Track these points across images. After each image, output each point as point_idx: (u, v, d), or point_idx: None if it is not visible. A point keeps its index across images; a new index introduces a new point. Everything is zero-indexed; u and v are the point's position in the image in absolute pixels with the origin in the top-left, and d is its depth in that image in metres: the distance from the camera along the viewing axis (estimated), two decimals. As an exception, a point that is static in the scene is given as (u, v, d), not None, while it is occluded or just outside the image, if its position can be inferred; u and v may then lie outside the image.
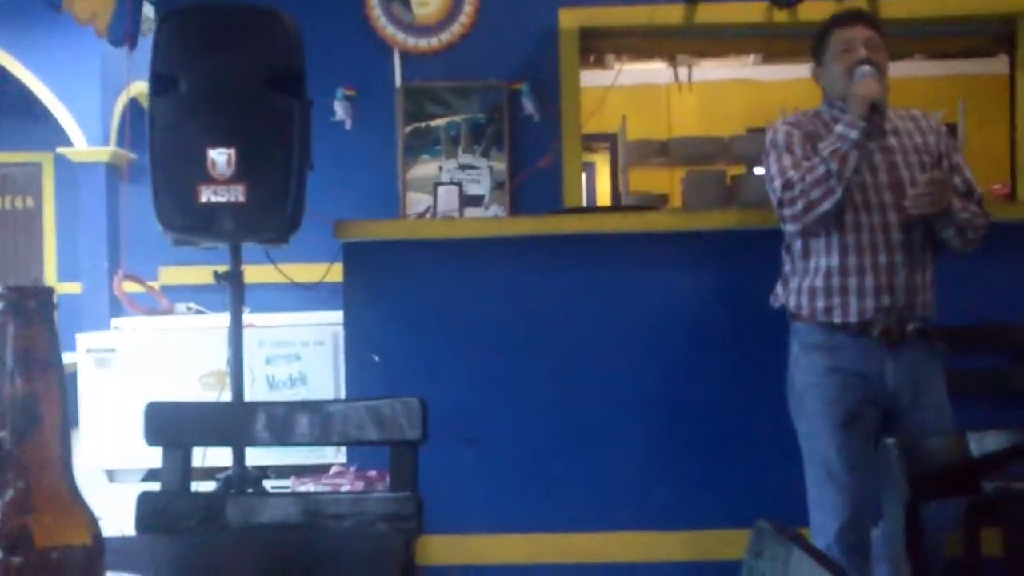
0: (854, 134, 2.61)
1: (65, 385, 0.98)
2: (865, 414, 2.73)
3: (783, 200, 2.71)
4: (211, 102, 3.33)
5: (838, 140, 2.63)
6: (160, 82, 3.36)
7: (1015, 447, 2.00)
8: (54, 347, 0.97)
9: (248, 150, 3.30)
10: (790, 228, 2.75)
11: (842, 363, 2.74)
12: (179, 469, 1.83)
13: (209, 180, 3.29)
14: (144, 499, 1.80)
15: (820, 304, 2.74)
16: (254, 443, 1.85)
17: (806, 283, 2.78)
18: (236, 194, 3.29)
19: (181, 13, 3.46)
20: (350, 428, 1.79)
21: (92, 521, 0.97)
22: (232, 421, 1.87)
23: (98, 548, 0.97)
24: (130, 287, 5.92)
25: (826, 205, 2.63)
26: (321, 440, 1.81)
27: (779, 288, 2.91)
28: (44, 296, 0.98)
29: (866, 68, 2.66)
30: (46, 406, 0.95)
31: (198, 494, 1.79)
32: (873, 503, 2.68)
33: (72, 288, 9.94)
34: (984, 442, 2.01)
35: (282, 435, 1.83)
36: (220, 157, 3.29)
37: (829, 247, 2.73)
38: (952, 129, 6.41)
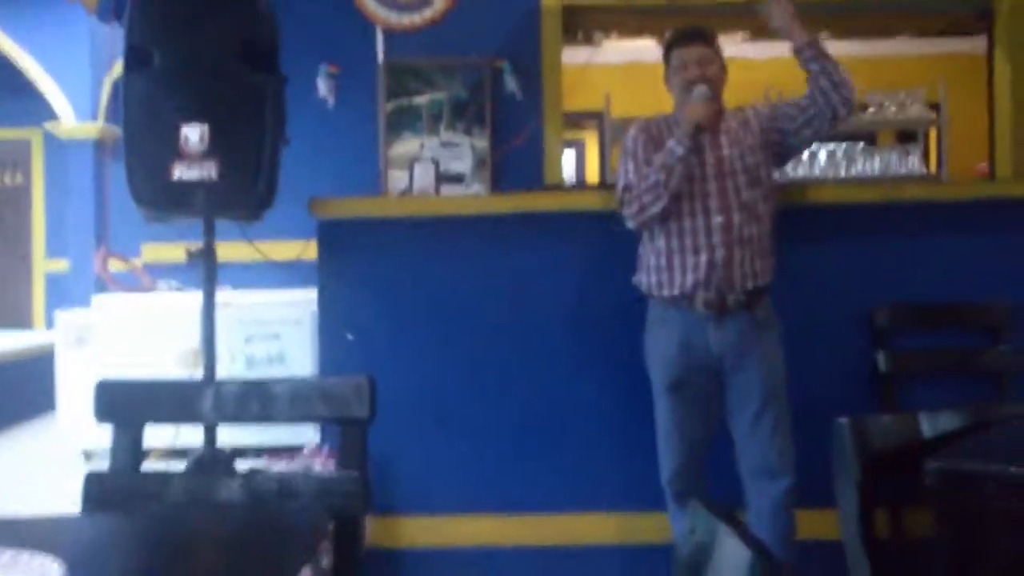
0: (680, 151, 2.99)
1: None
2: (692, 380, 3.10)
3: (622, 201, 3.10)
4: (184, 77, 3.32)
5: (667, 155, 3.01)
6: (134, 56, 3.35)
7: (967, 426, 2.01)
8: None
9: (221, 126, 3.29)
10: (629, 225, 3.12)
11: (672, 334, 3.10)
12: (129, 447, 1.84)
13: (182, 156, 3.28)
14: (92, 479, 1.81)
15: (654, 279, 3.13)
16: (204, 421, 1.86)
17: (648, 262, 3.17)
18: (209, 170, 3.28)
19: (155, -12, 3.44)
20: (299, 406, 1.80)
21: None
22: (182, 399, 1.87)
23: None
24: (114, 265, 5.92)
25: (655, 208, 3.02)
26: (270, 418, 1.81)
27: (637, 267, 3.26)
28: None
29: (700, 90, 3.03)
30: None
31: (143, 474, 1.79)
32: (702, 457, 3.17)
33: (60, 265, 9.93)
34: (937, 421, 2.02)
35: (232, 413, 1.84)
36: (193, 133, 3.28)
37: (662, 232, 3.10)
38: (935, 108, 6.42)
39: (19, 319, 10.65)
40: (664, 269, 3.10)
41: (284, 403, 1.79)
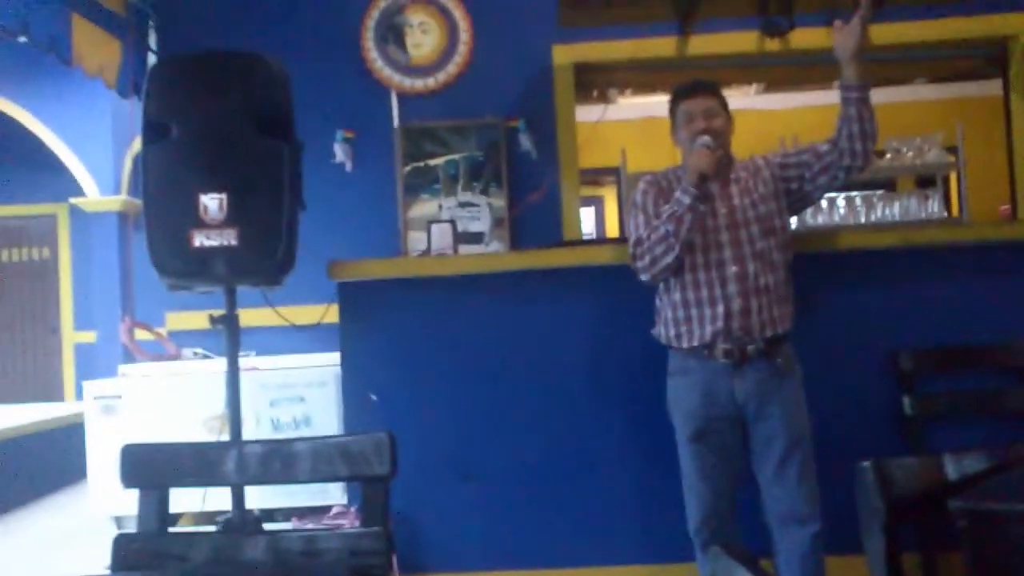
0: (686, 200, 3.00)
1: None
2: (716, 429, 3.09)
3: (635, 255, 3.12)
4: (202, 148, 3.37)
5: (675, 204, 3.03)
6: (152, 130, 3.41)
7: (992, 467, 2.00)
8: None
9: (239, 194, 3.33)
10: (642, 277, 3.13)
11: (694, 385, 3.11)
12: (155, 509, 1.86)
13: (202, 225, 3.32)
14: (120, 540, 1.82)
15: (672, 332, 3.14)
16: (227, 482, 1.87)
17: (665, 315, 3.18)
18: (228, 238, 3.32)
19: (170, 63, 3.53)
20: (320, 465, 1.81)
21: None
22: (205, 461, 1.88)
23: None
24: (140, 334, 5.98)
25: (668, 259, 3.04)
26: (293, 478, 1.83)
27: (655, 320, 3.25)
28: None
29: (704, 139, 3.04)
30: None
31: (170, 535, 1.81)
32: (731, 504, 3.13)
33: (88, 337, 10.04)
34: (962, 463, 2.00)
35: (254, 474, 1.85)
36: (212, 202, 3.33)
37: (677, 284, 3.11)
38: (953, 152, 6.44)
39: (50, 391, 10.75)
40: (682, 321, 3.10)
41: (305, 463, 1.80)
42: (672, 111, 3.22)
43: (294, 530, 1.74)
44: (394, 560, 3.34)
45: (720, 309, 3.03)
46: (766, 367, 3.06)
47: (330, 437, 1.84)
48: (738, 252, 3.05)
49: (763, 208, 3.11)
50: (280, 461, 1.82)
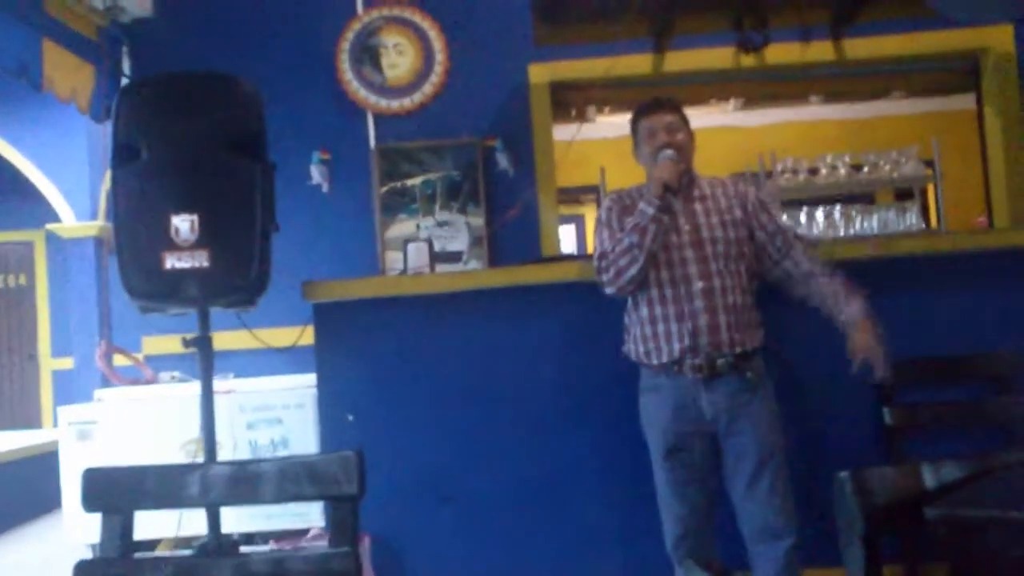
0: (650, 211, 3.02)
1: None
2: (687, 445, 3.08)
3: (599, 268, 3.12)
4: (173, 169, 3.33)
5: (639, 216, 3.04)
6: (122, 152, 3.37)
7: (970, 475, 1.97)
8: None
9: (211, 215, 3.29)
10: (608, 291, 3.13)
11: (665, 401, 3.10)
12: (119, 534, 1.81)
13: (173, 247, 3.29)
14: (81, 567, 1.78)
15: (642, 349, 3.13)
16: (192, 505, 1.83)
17: (634, 332, 3.17)
18: (200, 259, 3.29)
19: (140, 84, 3.49)
20: (287, 485, 1.77)
21: None
22: (169, 484, 1.84)
23: None
24: (118, 359, 5.91)
25: (632, 271, 3.04)
26: (258, 499, 1.79)
27: (625, 338, 3.24)
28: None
29: (667, 152, 3.07)
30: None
31: (134, 560, 1.76)
32: (709, 520, 3.09)
33: (65, 363, 9.94)
34: (940, 472, 1.98)
35: (220, 496, 1.81)
36: (183, 223, 3.29)
37: (644, 300, 3.11)
38: (929, 165, 6.46)
39: (28, 418, 10.65)
40: (650, 338, 3.10)
41: (271, 483, 1.76)
42: (634, 128, 3.25)
43: (261, 552, 1.70)
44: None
45: (688, 325, 3.03)
46: (736, 381, 3.06)
47: (297, 457, 1.80)
48: (704, 268, 3.06)
49: (732, 232, 3.13)
50: (246, 482, 1.78)
